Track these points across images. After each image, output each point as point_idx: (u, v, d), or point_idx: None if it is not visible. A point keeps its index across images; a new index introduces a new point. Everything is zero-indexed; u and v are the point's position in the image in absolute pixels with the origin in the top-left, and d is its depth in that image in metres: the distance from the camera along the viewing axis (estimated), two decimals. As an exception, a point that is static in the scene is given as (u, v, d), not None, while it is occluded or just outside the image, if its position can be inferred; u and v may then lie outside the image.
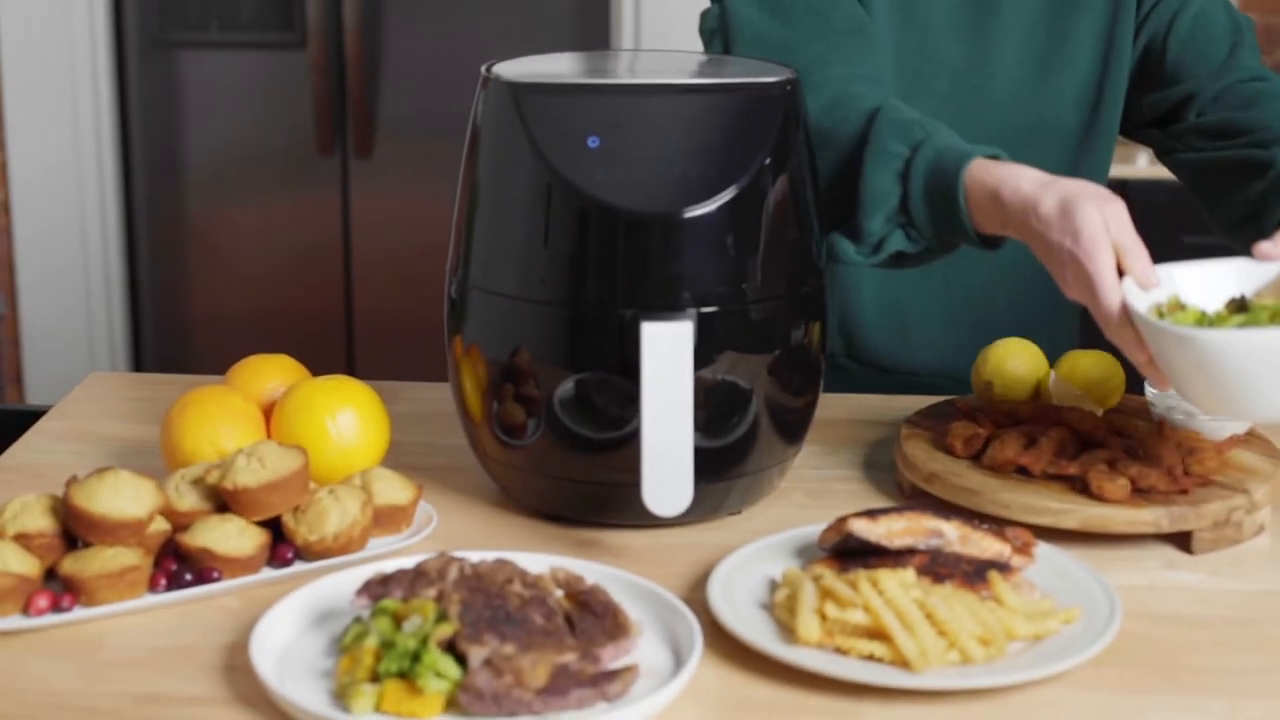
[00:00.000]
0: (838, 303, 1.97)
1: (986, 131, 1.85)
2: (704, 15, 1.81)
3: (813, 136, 1.61)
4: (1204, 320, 1.42)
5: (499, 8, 3.88)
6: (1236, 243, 1.79)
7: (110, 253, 3.95)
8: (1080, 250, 1.43)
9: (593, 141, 1.45)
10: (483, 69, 1.52)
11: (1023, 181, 1.49)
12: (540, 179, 1.45)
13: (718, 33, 1.78)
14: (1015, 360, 1.68)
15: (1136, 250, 1.44)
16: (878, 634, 1.27)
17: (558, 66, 1.58)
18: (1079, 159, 1.92)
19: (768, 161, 1.46)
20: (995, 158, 1.55)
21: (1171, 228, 3.19)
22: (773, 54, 1.71)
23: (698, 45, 3.66)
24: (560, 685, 1.21)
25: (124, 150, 3.98)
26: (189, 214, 4.03)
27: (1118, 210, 1.45)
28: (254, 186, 4.00)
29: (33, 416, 1.84)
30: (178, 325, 4.09)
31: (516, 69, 1.52)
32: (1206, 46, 1.86)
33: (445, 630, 1.22)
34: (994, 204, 1.51)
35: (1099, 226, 1.43)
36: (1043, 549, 1.43)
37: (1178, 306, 1.44)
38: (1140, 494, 1.50)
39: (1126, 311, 1.41)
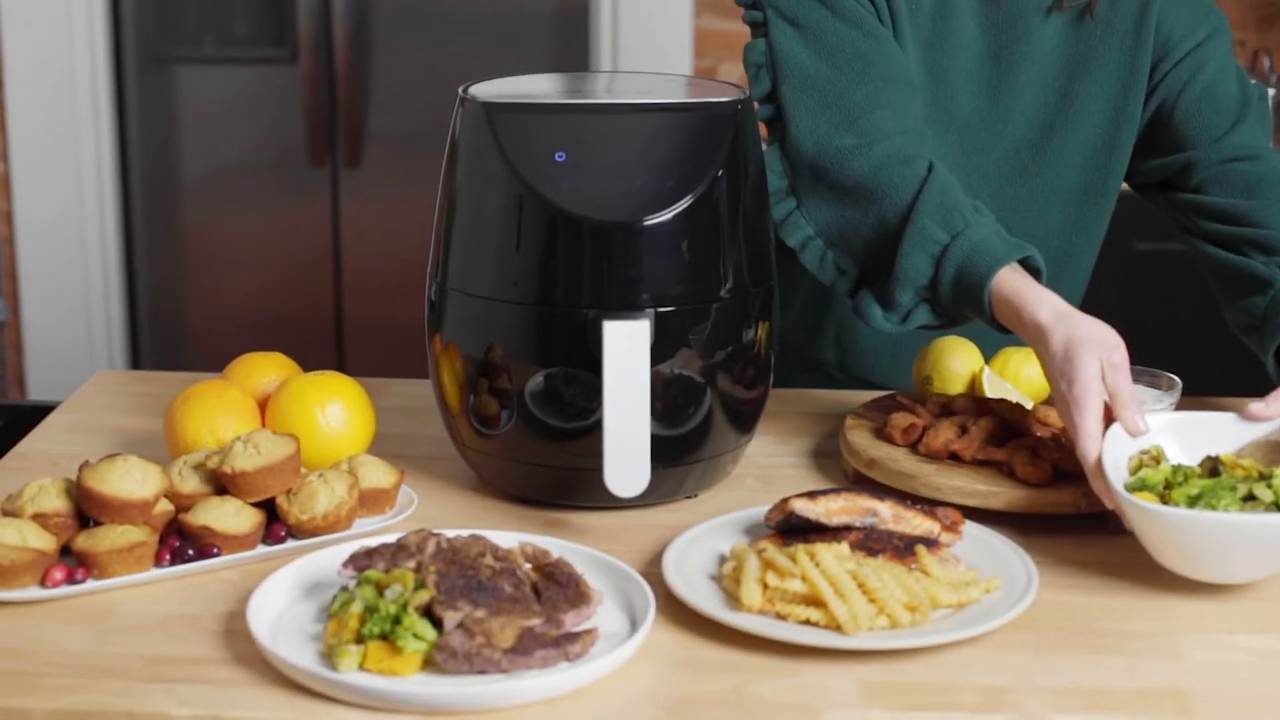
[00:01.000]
0: (836, 319, 2.07)
1: (989, 186, 1.93)
2: (749, 48, 1.87)
3: (856, 191, 1.74)
4: (1175, 476, 1.53)
5: (483, 26, 3.96)
6: (1247, 342, 1.88)
7: (109, 261, 4.02)
8: (1071, 397, 1.55)
9: (560, 156, 1.58)
10: (460, 90, 1.66)
11: (1041, 311, 1.61)
12: (512, 190, 1.58)
13: (765, 68, 1.84)
14: (952, 356, 1.82)
15: (1129, 401, 1.56)
16: (814, 601, 1.41)
17: (529, 87, 1.71)
18: (1079, 217, 1.99)
19: (720, 174, 1.60)
20: (1027, 259, 1.67)
21: (1124, 235, 3.31)
22: (820, 94, 1.80)
23: (670, 65, 3.80)
24: (526, 646, 1.33)
25: (123, 161, 4.04)
26: (185, 223, 4.10)
27: (1118, 361, 1.56)
28: (248, 196, 4.07)
29: (43, 411, 1.96)
30: (174, 330, 4.17)
31: (491, 89, 1.66)
32: (1211, 118, 1.90)
33: (423, 597, 1.35)
34: (1014, 317, 1.63)
35: (1093, 378, 1.55)
36: (970, 527, 1.57)
37: (1156, 459, 1.56)
38: (1062, 478, 1.64)
39: (1101, 464, 1.52)
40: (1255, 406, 1.61)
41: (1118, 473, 1.53)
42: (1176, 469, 1.54)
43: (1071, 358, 1.57)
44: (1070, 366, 1.56)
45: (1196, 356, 3.31)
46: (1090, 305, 3.44)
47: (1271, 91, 3.53)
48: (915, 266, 1.70)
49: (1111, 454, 1.53)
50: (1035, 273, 1.67)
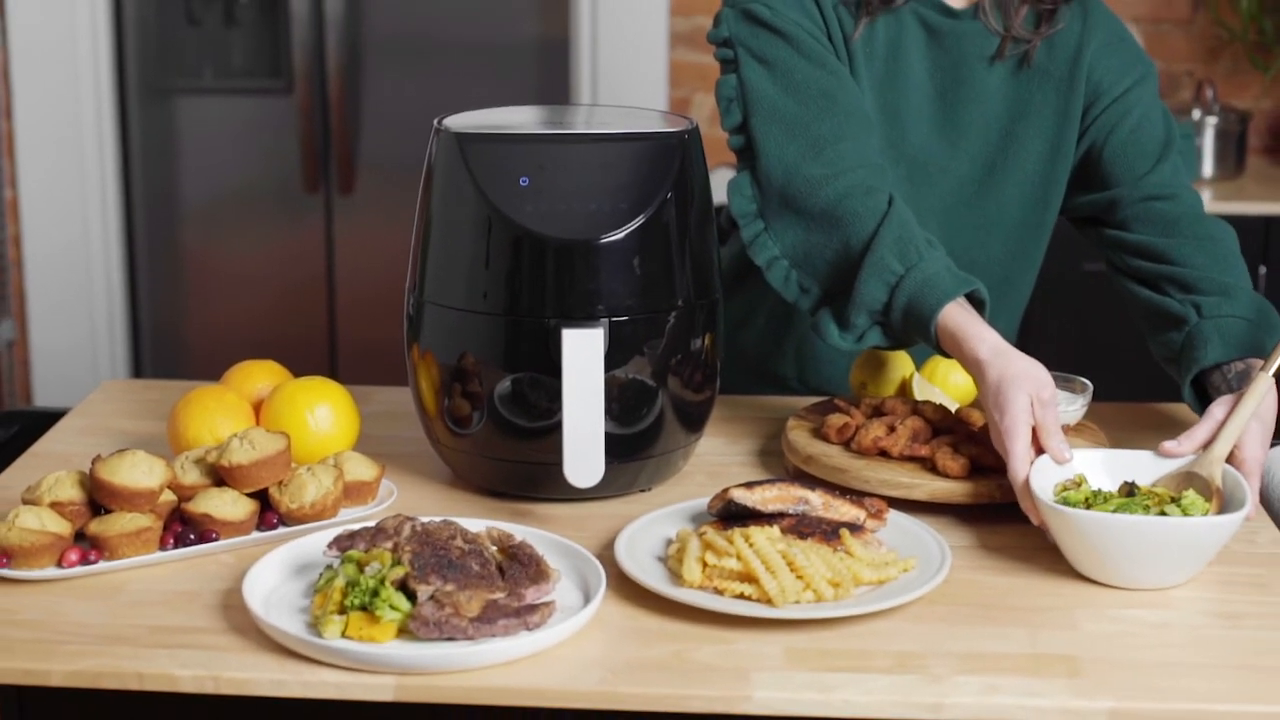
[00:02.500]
0: (796, 336, 2.23)
1: (936, 217, 2.08)
2: (721, 83, 2.03)
3: (822, 217, 1.91)
4: (1093, 498, 1.69)
5: (469, 58, 4.07)
6: (1169, 372, 2.02)
7: (113, 283, 4.12)
8: (1004, 427, 1.72)
9: (524, 181, 1.75)
10: (435, 121, 1.83)
11: (981, 348, 1.78)
12: (481, 212, 1.76)
13: (736, 101, 2.01)
14: (885, 363, 1.99)
15: (1054, 432, 1.73)
16: (747, 577, 1.57)
17: (498, 119, 1.87)
18: (1019, 248, 2.16)
19: (669, 197, 1.77)
20: (974, 293, 1.84)
21: (1071, 257, 3.48)
22: (788, 126, 1.96)
23: (646, 95, 3.96)
24: (490, 616, 1.50)
25: (125, 188, 4.14)
26: (185, 247, 4.20)
27: (1046, 397, 1.74)
28: (245, 220, 4.17)
29: (55, 417, 2.13)
30: (175, 350, 4.28)
31: (463, 121, 1.83)
32: (1136, 159, 2.06)
33: (398, 573, 1.52)
34: (956, 349, 1.81)
35: (1023, 410, 1.72)
36: (894, 515, 1.73)
37: (1078, 484, 1.73)
38: (978, 471, 1.80)
39: (1029, 484, 1.69)
40: (1168, 445, 1.77)
41: (1044, 494, 1.69)
42: (1096, 492, 1.71)
43: (1004, 391, 1.73)
44: (1003, 399, 1.73)
45: (1138, 369, 3.47)
46: (1041, 321, 3.64)
47: (1214, 120, 3.70)
48: (871, 293, 1.87)
49: (1039, 480, 1.70)
50: (980, 304, 1.84)
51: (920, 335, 1.84)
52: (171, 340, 4.30)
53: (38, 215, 4.07)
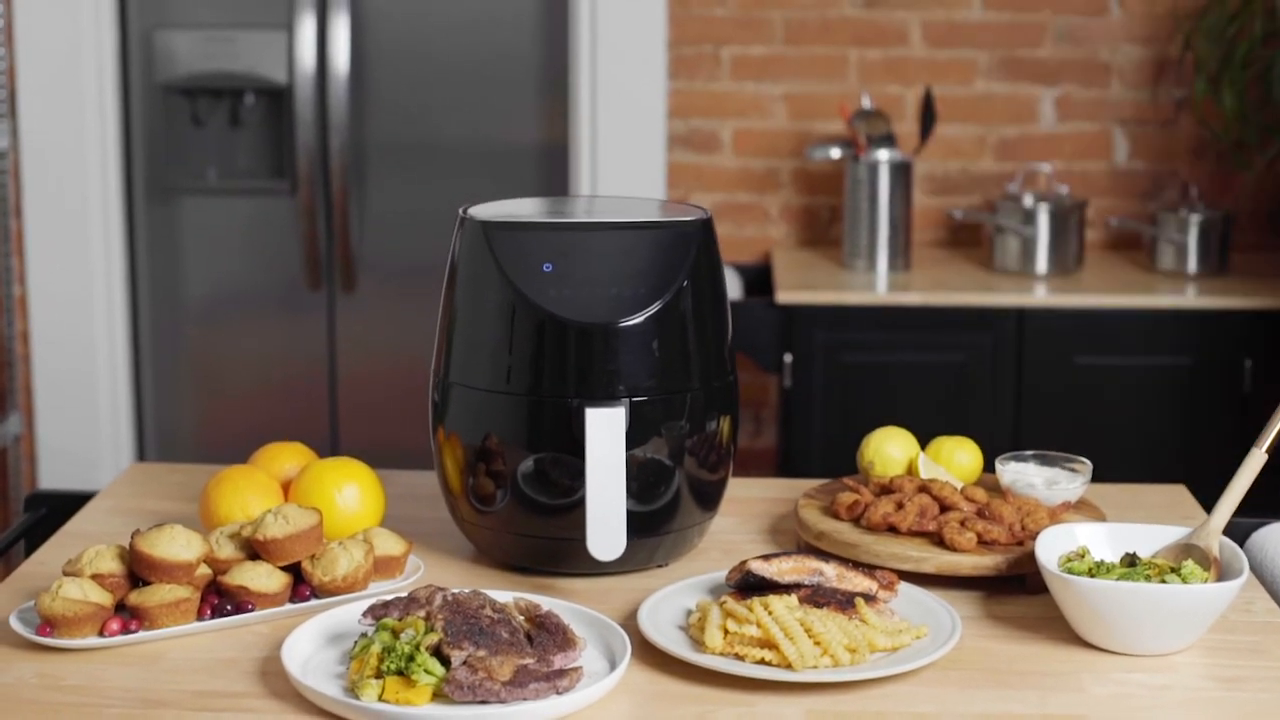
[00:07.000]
0: None
1: None
2: None
3: None
4: (1096, 569, 1.76)
5: (468, 161, 4.16)
6: None
7: (118, 379, 4.15)
8: None
9: (547, 267, 1.83)
10: (460, 210, 1.90)
11: None
12: (506, 297, 1.83)
13: None
14: (891, 444, 2.06)
15: None
16: (767, 643, 1.64)
17: (520, 208, 1.96)
18: None
19: (685, 283, 1.84)
20: None
21: (1066, 350, 3.57)
22: None
23: (641, 190, 4.02)
24: (521, 680, 1.56)
25: (132, 285, 4.21)
26: (189, 343, 4.26)
27: None
28: (248, 318, 4.24)
29: (83, 499, 2.19)
30: (178, 445, 4.32)
31: (487, 210, 1.91)
32: None
33: (432, 639, 1.58)
34: None
35: None
36: (905, 587, 1.80)
37: (1080, 556, 1.80)
38: (985, 545, 1.87)
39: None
40: None
41: (1050, 565, 1.75)
42: (1100, 563, 1.78)
43: None
44: None
45: (1130, 453, 3.56)
46: (1034, 412, 3.70)
47: (1199, 218, 3.79)
48: None
49: (1045, 553, 1.77)
50: None
51: None
52: (175, 434, 4.35)
53: (46, 311, 4.13)
